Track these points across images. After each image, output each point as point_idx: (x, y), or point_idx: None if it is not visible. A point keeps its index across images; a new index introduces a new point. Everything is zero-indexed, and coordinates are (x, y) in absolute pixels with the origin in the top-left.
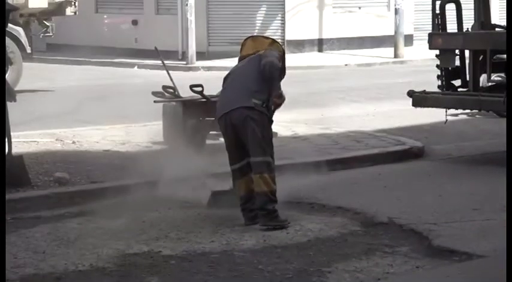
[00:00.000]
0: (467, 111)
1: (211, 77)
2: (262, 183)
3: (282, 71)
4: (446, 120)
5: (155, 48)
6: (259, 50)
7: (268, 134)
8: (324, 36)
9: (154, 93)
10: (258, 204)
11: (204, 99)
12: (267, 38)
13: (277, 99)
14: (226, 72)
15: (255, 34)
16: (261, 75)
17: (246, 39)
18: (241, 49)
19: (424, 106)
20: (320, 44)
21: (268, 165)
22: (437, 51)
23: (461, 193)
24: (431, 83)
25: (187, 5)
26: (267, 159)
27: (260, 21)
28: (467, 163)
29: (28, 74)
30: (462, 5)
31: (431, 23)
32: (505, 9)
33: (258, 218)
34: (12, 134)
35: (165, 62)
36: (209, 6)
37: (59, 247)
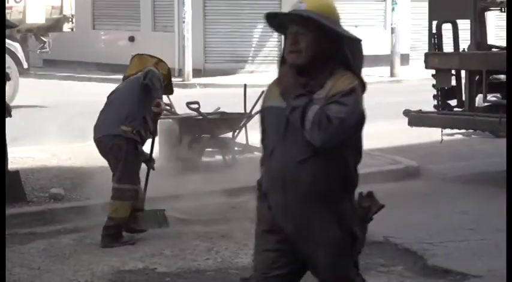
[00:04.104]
0: (463, 131)
1: (207, 94)
2: (110, 208)
3: (168, 90)
4: (442, 139)
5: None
6: (141, 70)
7: (132, 162)
8: None
9: None
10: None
11: (200, 116)
12: (153, 57)
13: (155, 108)
14: (224, 90)
15: (141, 53)
16: (138, 97)
17: (133, 57)
18: (127, 67)
19: (420, 126)
20: None
21: (121, 192)
22: (433, 71)
23: (456, 213)
24: (427, 103)
25: (184, 22)
26: (121, 186)
27: (257, 39)
28: (463, 183)
29: (24, 90)
30: (458, 26)
31: (427, 42)
32: (501, 29)
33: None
34: (8, 149)
35: None
36: (206, 24)
37: (54, 263)
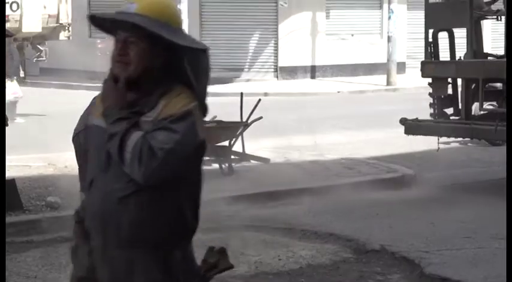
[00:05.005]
0: (460, 139)
1: None
2: None
3: None
4: (439, 148)
5: None
6: None
7: None
8: (317, 63)
9: None
10: None
11: None
12: None
13: None
14: (220, 99)
15: None
16: None
17: None
18: None
19: (417, 134)
20: (313, 71)
21: None
22: (430, 79)
23: (453, 221)
24: (423, 111)
25: None
26: None
27: (253, 48)
28: (459, 191)
29: (21, 98)
30: (455, 34)
31: (424, 51)
32: (497, 37)
33: None
34: None
35: None
36: (203, 33)
37: (50, 272)
